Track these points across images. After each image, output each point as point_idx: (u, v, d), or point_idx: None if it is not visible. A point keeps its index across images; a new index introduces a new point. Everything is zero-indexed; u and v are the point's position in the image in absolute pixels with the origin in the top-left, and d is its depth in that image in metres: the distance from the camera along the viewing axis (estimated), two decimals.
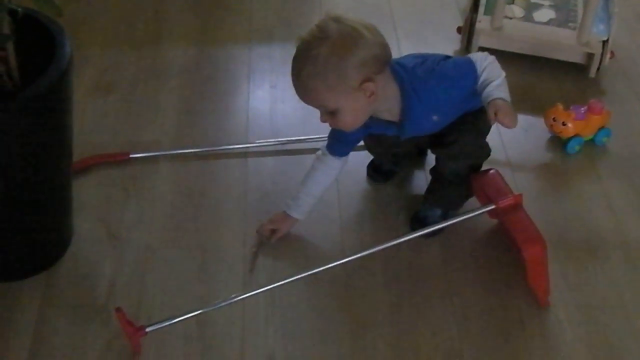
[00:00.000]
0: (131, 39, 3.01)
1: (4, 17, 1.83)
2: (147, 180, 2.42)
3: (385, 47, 2.00)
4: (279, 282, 2.04)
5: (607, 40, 2.80)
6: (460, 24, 2.99)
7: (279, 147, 2.54)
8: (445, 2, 3.24)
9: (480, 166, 2.26)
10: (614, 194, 2.44)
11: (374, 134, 2.20)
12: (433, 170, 2.29)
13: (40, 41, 1.93)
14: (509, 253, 2.21)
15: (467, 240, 2.28)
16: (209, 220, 2.31)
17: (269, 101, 2.73)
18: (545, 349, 2.02)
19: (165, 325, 1.95)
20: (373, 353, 2.00)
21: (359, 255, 2.11)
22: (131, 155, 2.46)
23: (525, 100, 2.70)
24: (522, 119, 2.61)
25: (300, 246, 2.26)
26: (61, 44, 1.91)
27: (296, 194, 2.24)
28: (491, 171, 2.21)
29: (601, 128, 2.58)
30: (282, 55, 2.89)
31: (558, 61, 2.89)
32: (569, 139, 2.54)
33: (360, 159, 2.42)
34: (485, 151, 2.25)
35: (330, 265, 2.08)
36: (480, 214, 2.18)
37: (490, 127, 2.22)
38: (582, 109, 2.53)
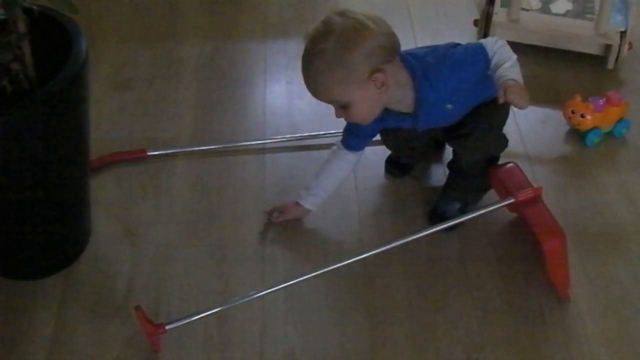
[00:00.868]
0: (147, 35, 3.01)
1: (19, 15, 1.83)
2: (165, 177, 2.42)
3: (391, 37, 1.99)
4: (297, 278, 2.04)
5: (625, 31, 2.78)
6: (477, 16, 2.98)
7: (296, 143, 2.54)
8: None
9: (498, 158, 2.25)
10: (634, 185, 2.42)
11: (389, 128, 2.20)
12: (451, 164, 2.29)
13: (56, 39, 1.93)
14: (529, 246, 2.20)
15: (486, 234, 2.27)
16: (227, 217, 2.31)
17: (285, 97, 2.73)
18: (566, 342, 2.01)
19: (185, 323, 1.95)
20: (393, 348, 1.99)
21: (377, 250, 2.10)
22: (148, 153, 2.46)
23: (543, 92, 2.69)
24: (540, 111, 2.63)
25: (319, 241, 2.25)
26: (77, 42, 1.91)
27: (309, 185, 2.25)
28: (510, 164, 2.20)
29: (620, 120, 2.56)
30: (298, 51, 2.83)
31: (575, 53, 2.88)
32: (588, 131, 2.53)
33: (378, 153, 2.41)
34: (502, 142, 2.23)
35: (349, 261, 2.07)
36: (499, 207, 2.17)
37: (506, 117, 2.21)
38: (601, 100, 2.52)
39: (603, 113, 2.51)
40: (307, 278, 2.04)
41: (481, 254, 2.21)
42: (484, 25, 2.90)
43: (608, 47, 2.81)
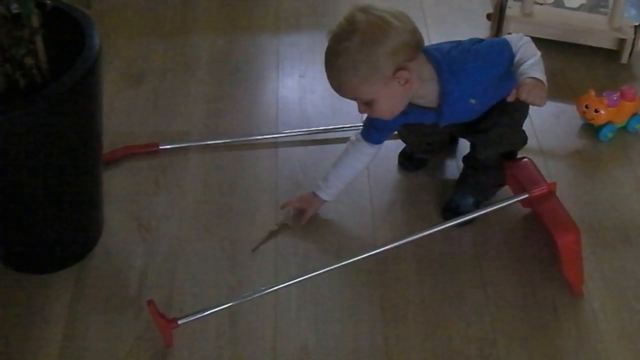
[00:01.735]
0: (159, 29, 3.01)
1: (32, 10, 1.82)
2: (177, 171, 2.42)
3: (415, 33, 1.99)
4: (310, 273, 2.04)
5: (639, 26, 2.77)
6: (490, 10, 2.97)
7: (309, 137, 2.53)
8: None
9: (516, 154, 2.24)
10: None
11: (410, 123, 2.19)
12: (466, 158, 2.28)
13: (69, 33, 1.93)
14: (542, 242, 2.19)
15: (499, 229, 2.26)
16: (240, 211, 2.31)
17: (298, 90, 2.72)
18: (579, 338, 2.00)
19: (197, 318, 1.95)
20: (406, 343, 1.99)
21: (391, 245, 2.10)
22: (161, 147, 2.46)
23: (557, 87, 2.68)
24: (554, 105, 2.62)
25: (332, 235, 2.25)
26: (90, 36, 1.91)
27: (327, 175, 2.24)
28: (524, 159, 2.20)
29: (634, 115, 2.55)
30: (310, 44, 2.88)
31: (589, 47, 2.86)
32: (602, 126, 2.52)
33: (391, 147, 2.40)
34: (522, 138, 2.23)
35: (362, 256, 2.07)
36: (513, 202, 2.16)
37: (526, 113, 2.21)
38: (615, 95, 2.51)
39: (617, 108, 2.50)
40: (320, 273, 2.04)
41: (495, 250, 2.21)
42: (498, 19, 2.88)
43: (622, 42, 2.80)
